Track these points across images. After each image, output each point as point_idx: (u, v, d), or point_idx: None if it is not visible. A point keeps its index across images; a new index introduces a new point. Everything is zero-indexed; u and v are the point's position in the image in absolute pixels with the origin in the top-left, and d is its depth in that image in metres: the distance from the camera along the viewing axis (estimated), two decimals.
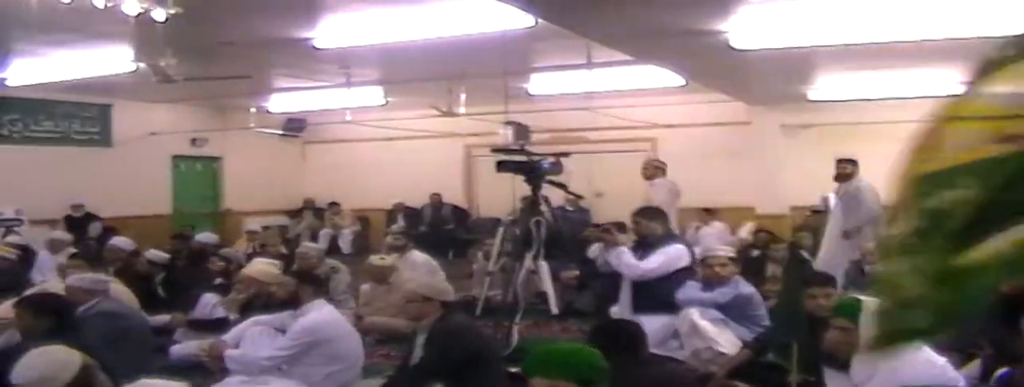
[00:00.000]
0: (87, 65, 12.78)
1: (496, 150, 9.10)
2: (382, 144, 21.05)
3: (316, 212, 21.57)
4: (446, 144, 20.53)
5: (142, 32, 9.27)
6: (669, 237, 8.81)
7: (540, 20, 9.55)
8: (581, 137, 18.55)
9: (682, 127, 18.29)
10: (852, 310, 4.95)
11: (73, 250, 12.05)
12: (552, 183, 8.68)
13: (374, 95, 17.05)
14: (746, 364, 6.91)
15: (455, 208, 20.89)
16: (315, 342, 6.95)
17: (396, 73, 15.05)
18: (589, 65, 13.24)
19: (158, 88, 12.70)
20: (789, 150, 16.42)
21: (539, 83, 15.81)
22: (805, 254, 11.13)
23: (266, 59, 12.96)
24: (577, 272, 10.58)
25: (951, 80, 13.49)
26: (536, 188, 8.44)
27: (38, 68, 13.34)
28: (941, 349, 5.05)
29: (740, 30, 10.10)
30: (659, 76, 14.08)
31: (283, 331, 7.23)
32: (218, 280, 10.23)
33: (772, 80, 14.07)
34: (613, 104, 16.30)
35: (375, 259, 10.37)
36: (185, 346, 8.51)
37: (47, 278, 10.63)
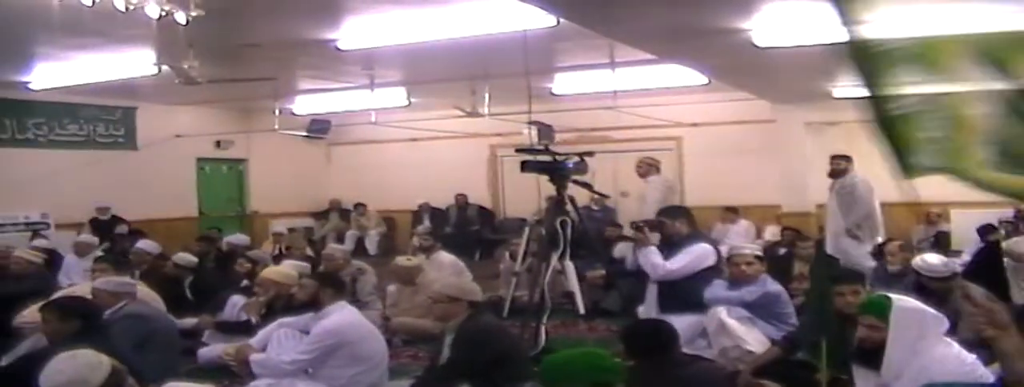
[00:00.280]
0: (111, 68, 12.81)
1: (520, 150, 9.07)
2: (407, 145, 21.10)
3: (342, 213, 21.61)
4: (471, 144, 20.52)
5: (165, 35, 9.28)
6: (695, 236, 8.77)
7: (562, 20, 9.53)
8: (605, 136, 18.52)
9: (706, 126, 18.24)
10: (880, 308, 4.92)
11: (100, 253, 12.08)
12: (577, 183, 8.66)
13: (398, 96, 17.07)
14: (776, 362, 6.88)
15: (481, 208, 20.89)
16: (337, 344, 6.95)
17: (419, 74, 15.05)
18: (612, 64, 13.22)
19: (182, 90, 12.74)
20: (814, 148, 16.32)
21: (563, 83, 15.79)
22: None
23: (290, 61, 12.97)
24: (603, 272, 10.56)
25: (975, 76, 13.46)
26: (561, 188, 8.42)
27: (62, 72, 13.39)
28: (970, 346, 5.02)
29: (763, 28, 10.07)
30: (682, 75, 14.05)
31: (308, 333, 7.24)
32: (244, 282, 10.24)
33: (796, 78, 14.02)
34: (637, 103, 16.24)
35: (401, 260, 10.38)
36: (212, 349, 8.54)
37: (74, 282, 10.68)
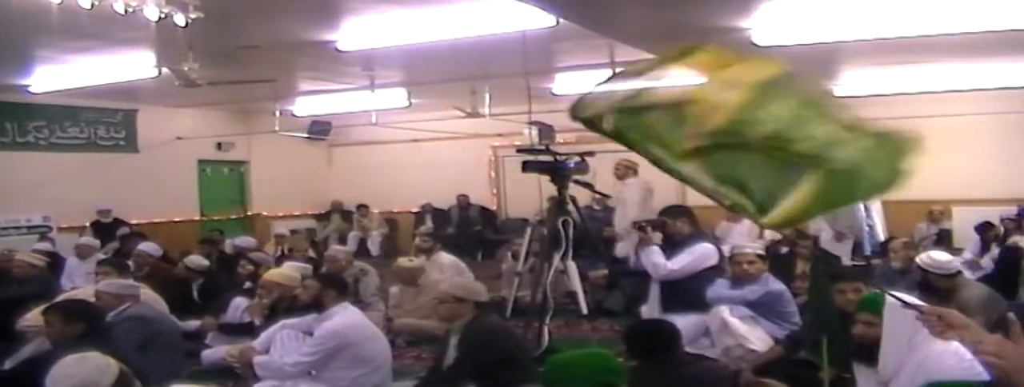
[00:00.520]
0: (111, 71, 12.81)
1: (521, 150, 9.07)
2: (408, 146, 21.07)
3: (344, 215, 21.61)
4: (472, 145, 20.50)
5: (164, 37, 9.28)
6: (697, 236, 8.78)
7: (562, 20, 9.54)
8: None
9: None
10: (875, 304, 4.94)
11: (102, 256, 12.08)
12: (578, 182, 8.65)
13: (398, 97, 17.04)
14: (779, 361, 6.89)
15: (483, 209, 20.93)
16: (340, 346, 6.96)
17: (419, 74, 15.03)
18: (612, 64, 13.21)
19: (183, 93, 12.74)
20: None
21: (563, 83, 15.79)
22: (847, 246, 11.13)
23: (290, 62, 12.96)
24: (606, 271, 10.56)
25: (975, 74, 13.47)
26: (562, 188, 8.41)
27: (62, 75, 13.38)
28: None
29: (763, 27, 10.08)
30: (682, 74, 14.03)
31: (311, 334, 7.24)
32: (247, 284, 10.24)
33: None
34: None
35: (404, 261, 10.39)
36: (216, 351, 8.55)
37: (76, 284, 10.68)
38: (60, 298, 7.60)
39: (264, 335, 7.66)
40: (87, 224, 16.60)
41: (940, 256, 7.61)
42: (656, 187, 12.12)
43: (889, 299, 4.89)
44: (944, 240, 15.11)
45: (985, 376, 4.64)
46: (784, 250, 11.89)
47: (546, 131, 15.89)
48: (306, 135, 19.06)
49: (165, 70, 11.39)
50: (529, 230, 9.56)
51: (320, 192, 22.43)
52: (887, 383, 4.76)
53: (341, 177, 22.86)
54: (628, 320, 8.60)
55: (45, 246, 12.87)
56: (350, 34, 11.00)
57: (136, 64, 12.23)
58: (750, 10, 9.47)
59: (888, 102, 15.30)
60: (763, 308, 7.73)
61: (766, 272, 8.05)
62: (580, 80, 15.07)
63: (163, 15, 8.08)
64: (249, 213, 21.26)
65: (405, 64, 13.90)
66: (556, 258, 8.35)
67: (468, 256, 15.09)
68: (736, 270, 8.02)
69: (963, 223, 14.55)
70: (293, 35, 10.93)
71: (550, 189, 8.53)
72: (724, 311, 7.64)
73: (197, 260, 11.05)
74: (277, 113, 17.25)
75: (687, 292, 8.23)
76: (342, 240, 19.79)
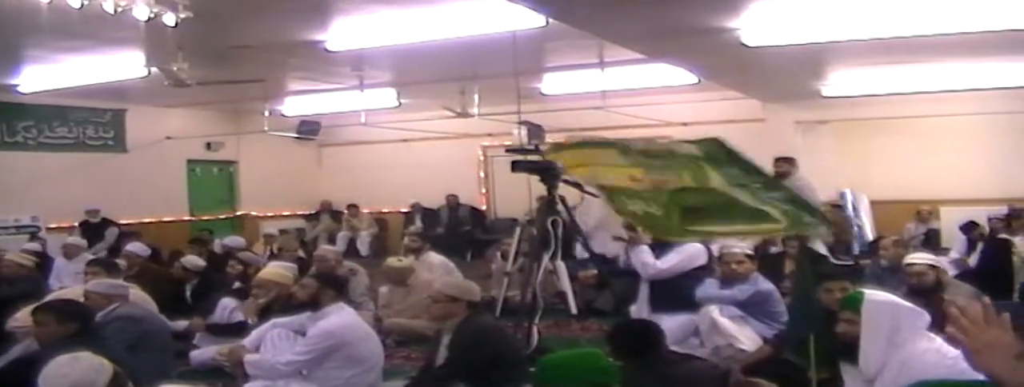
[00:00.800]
0: (100, 70, 12.80)
1: (510, 150, 9.08)
2: (398, 146, 21.09)
3: (333, 215, 21.58)
4: (462, 145, 20.51)
5: (153, 37, 9.30)
6: None
7: (551, 20, 9.54)
8: (595, 136, 18.47)
9: (696, 125, 18.21)
10: (855, 302, 4.95)
11: (90, 256, 12.06)
12: (567, 183, 8.65)
13: (387, 97, 17.04)
14: (768, 361, 6.91)
15: (472, 209, 20.91)
16: (334, 346, 6.93)
17: (409, 75, 15.05)
18: (601, 64, 13.23)
19: (172, 92, 12.75)
20: (804, 146, 16.34)
21: (552, 83, 15.80)
22: (821, 249, 11.12)
23: (279, 62, 12.95)
24: (596, 271, 10.56)
25: (964, 74, 13.50)
26: (552, 188, 8.40)
27: (51, 74, 13.36)
28: (956, 342, 5.05)
29: (752, 27, 10.09)
30: (672, 74, 14.08)
31: (302, 333, 7.22)
32: (236, 284, 10.22)
33: (785, 77, 14.06)
34: (626, 103, 16.25)
35: (393, 261, 10.38)
36: (205, 351, 8.53)
37: (65, 284, 10.65)
38: (48, 298, 7.58)
39: (255, 333, 7.61)
40: (76, 224, 16.57)
41: (920, 257, 7.68)
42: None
43: (868, 296, 4.93)
44: (932, 240, 15.14)
45: (970, 374, 4.68)
46: (773, 250, 11.92)
47: (535, 131, 15.90)
48: (295, 135, 19.04)
49: (154, 70, 11.39)
50: (518, 230, 9.55)
51: (309, 192, 22.40)
52: (872, 381, 4.78)
53: (330, 177, 22.86)
54: (618, 320, 8.61)
55: (34, 246, 12.85)
56: (339, 34, 11.00)
57: (125, 64, 12.22)
58: (739, 10, 9.48)
59: (876, 102, 15.38)
60: (752, 308, 7.73)
61: (755, 272, 8.06)
62: (570, 80, 15.11)
63: (153, 15, 8.09)
64: (238, 213, 21.22)
65: (394, 64, 13.91)
66: (545, 258, 8.35)
67: (457, 256, 15.11)
68: (725, 270, 8.03)
69: (951, 223, 14.58)
70: (282, 35, 10.93)
71: (539, 189, 8.53)
72: (714, 311, 7.64)
73: (194, 260, 11.00)
74: (266, 113, 17.25)
75: (676, 292, 8.25)
76: (331, 240, 19.78)
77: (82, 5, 7.76)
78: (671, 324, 7.82)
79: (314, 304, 7.28)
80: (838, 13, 9.62)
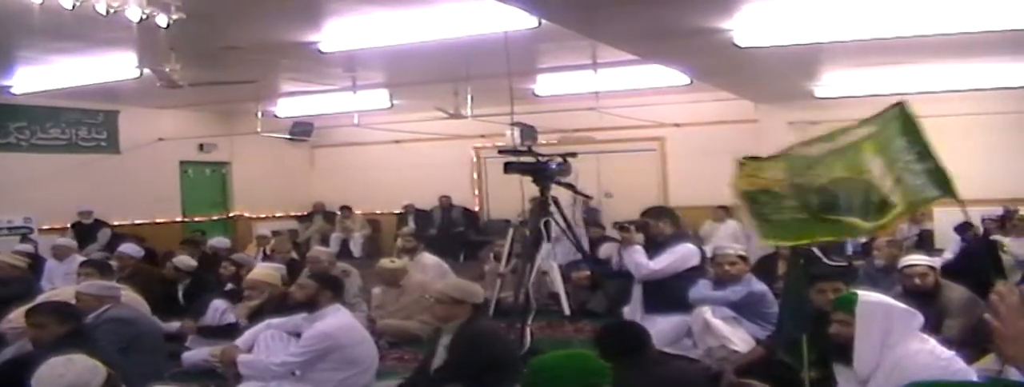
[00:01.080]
0: (93, 72, 12.78)
1: (503, 151, 9.06)
2: (390, 147, 21.12)
3: (326, 216, 21.58)
4: (454, 146, 20.54)
5: (146, 38, 9.28)
6: (679, 236, 8.77)
7: (544, 21, 9.54)
8: (588, 137, 18.50)
9: (689, 126, 18.31)
10: (848, 303, 4.95)
11: (80, 257, 12.03)
12: (560, 184, 8.65)
13: (380, 98, 17.05)
14: (761, 362, 6.90)
15: (465, 210, 20.91)
16: (330, 348, 6.92)
17: (401, 76, 15.05)
18: (594, 65, 13.23)
19: (164, 94, 12.74)
20: None
21: (545, 84, 15.80)
22: (816, 250, 11.11)
23: (272, 63, 12.93)
24: (589, 272, 10.56)
25: (956, 74, 13.51)
26: (545, 189, 8.40)
27: (44, 75, 13.35)
28: (950, 344, 5.06)
29: (744, 28, 10.10)
30: (664, 75, 14.09)
31: (296, 334, 7.21)
32: (228, 285, 10.21)
33: (778, 77, 14.06)
34: (619, 104, 16.27)
35: (386, 262, 10.37)
36: (197, 352, 8.51)
37: (56, 286, 10.62)
38: (39, 299, 7.56)
39: (248, 334, 7.58)
40: (69, 225, 16.53)
41: (916, 258, 7.69)
42: None
43: (861, 297, 4.93)
44: (925, 241, 15.14)
45: (966, 374, 4.68)
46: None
47: (528, 132, 15.89)
48: (288, 136, 19.02)
49: (147, 71, 11.37)
50: (511, 231, 9.54)
51: (302, 193, 22.43)
52: (865, 382, 4.78)
53: (323, 178, 22.87)
54: (611, 321, 8.61)
55: (26, 247, 12.82)
56: (332, 35, 10.99)
57: (118, 65, 12.20)
58: (732, 11, 9.48)
59: (869, 103, 15.33)
60: (745, 309, 7.73)
61: (748, 273, 8.06)
62: (562, 81, 15.11)
63: (145, 16, 8.07)
64: (231, 214, 21.21)
65: (387, 65, 13.91)
66: (538, 259, 8.34)
67: (450, 257, 15.09)
68: (718, 271, 8.03)
69: (945, 224, 14.56)
70: (275, 36, 10.92)
71: (532, 190, 8.53)
72: (706, 312, 7.65)
73: (186, 261, 10.97)
74: (259, 114, 17.24)
75: (669, 293, 8.22)
76: (324, 241, 19.74)
77: (74, 6, 7.75)
78: (664, 325, 7.84)
79: (311, 305, 7.28)
80: (830, 14, 9.63)
